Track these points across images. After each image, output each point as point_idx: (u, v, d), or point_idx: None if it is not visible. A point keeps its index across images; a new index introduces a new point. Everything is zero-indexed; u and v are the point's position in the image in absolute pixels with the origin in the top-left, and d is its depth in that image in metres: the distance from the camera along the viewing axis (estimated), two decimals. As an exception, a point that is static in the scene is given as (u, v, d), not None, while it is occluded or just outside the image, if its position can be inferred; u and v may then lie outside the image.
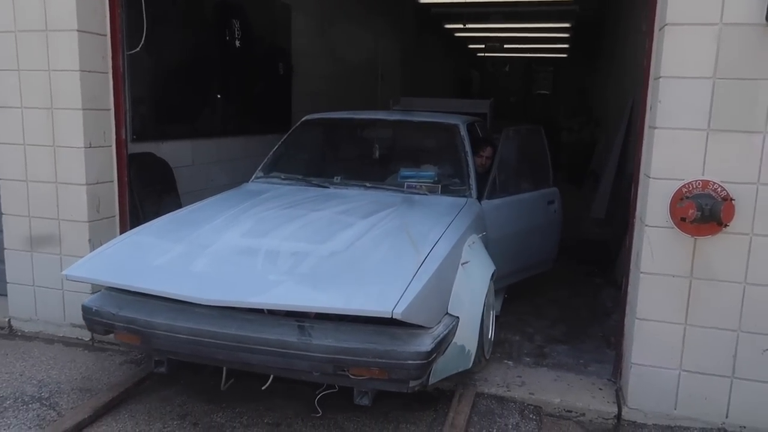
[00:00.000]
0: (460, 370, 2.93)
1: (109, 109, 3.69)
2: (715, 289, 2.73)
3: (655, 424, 2.87)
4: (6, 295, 3.90)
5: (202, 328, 2.57)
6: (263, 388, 2.88)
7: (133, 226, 3.61)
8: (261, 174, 4.13)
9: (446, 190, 3.76)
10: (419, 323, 2.49)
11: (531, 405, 3.02)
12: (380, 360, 2.43)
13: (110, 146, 3.73)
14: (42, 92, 3.56)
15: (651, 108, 2.86)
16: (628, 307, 3.05)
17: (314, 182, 3.93)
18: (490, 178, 3.86)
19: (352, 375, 2.50)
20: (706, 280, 2.73)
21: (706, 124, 2.65)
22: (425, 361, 2.44)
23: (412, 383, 2.57)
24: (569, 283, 4.99)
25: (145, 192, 4.25)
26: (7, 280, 3.87)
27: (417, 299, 2.39)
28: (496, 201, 3.81)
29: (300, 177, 4.03)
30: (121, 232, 3.73)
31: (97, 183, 3.64)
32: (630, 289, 3.04)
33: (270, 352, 2.54)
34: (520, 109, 17.31)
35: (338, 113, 4.73)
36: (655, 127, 2.73)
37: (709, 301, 2.74)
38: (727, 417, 2.80)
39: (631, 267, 3.04)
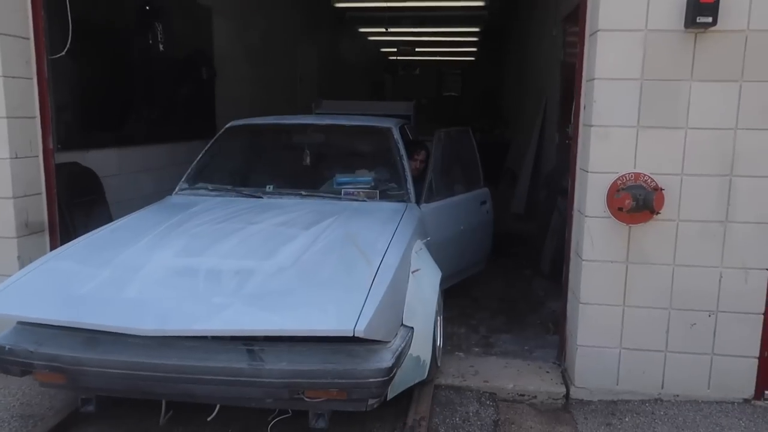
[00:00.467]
0: (416, 381, 2.86)
1: (34, 117, 3.50)
2: (649, 271, 2.99)
3: (600, 400, 3.10)
4: None
5: (139, 361, 2.33)
6: (209, 419, 2.65)
7: (63, 241, 3.43)
8: (185, 186, 3.87)
9: (384, 196, 3.67)
10: (379, 338, 2.39)
11: (486, 392, 3.17)
12: (340, 381, 2.30)
13: (37, 156, 3.53)
14: (-40, 99, 3.31)
15: (585, 107, 3.08)
16: (570, 294, 3.27)
17: (245, 192, 3.74)
18: (427, 182, 3.80)
19: (307, 398, 2.36)
20: (640, 264, 2.99)
21: (635, 121, 2.90)
22: (386, 378, 2.33)
23: (371, 401, 2.47)
24: (501, 276, 5.23)
25: (74, 204, 4.04)
26: None
27: (376, 314, 2.29)
28: (434, 204, 3.78)
29: (229, 187, 3.82)
30: (52, 247, 3.54)
31: (24, 196, 3.43)
32: (571, 276, 3.26)
33: (218, 381, 2.35)
34: (431, 110, 17.77)
35: (264, 119, 4.54)
36: (591, 125, 2.95)
37: (643, 283, 3.00)
38: (662, 388, 3.07)
39: (572, 256, 3.26)
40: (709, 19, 2.70)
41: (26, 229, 3.45)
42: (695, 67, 2.82)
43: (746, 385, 3.02)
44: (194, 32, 6.11)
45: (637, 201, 2.84)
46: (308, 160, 4.11)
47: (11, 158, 3.33)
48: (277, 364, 2.31)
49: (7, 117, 3.30)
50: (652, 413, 2.97)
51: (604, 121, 2.93)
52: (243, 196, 3.70)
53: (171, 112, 5.60)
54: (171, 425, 2.79)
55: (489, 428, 2.87)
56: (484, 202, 4.58)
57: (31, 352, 2.44)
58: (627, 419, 2.93)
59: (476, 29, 13.49)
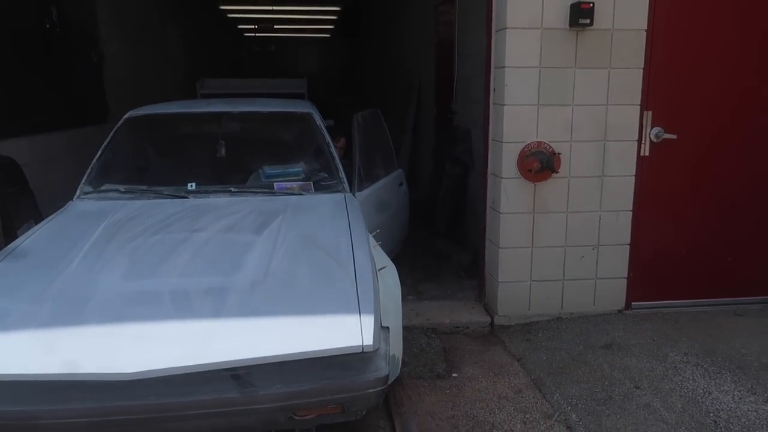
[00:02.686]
0: (392, 379, 2.60)
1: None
2: (549, 218, 3.80)
3: (518, 324, 3.89)
4: None
5: (109, 405, 1.99)
6: None
7: (3, 231, 3.43)
8: (89, 189, 3.37)
9: (319, 187, 3.48)
10: (377, 347, 2.19)
11: (429, 328, 3.82)
12: (339, 396, 2.13)
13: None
14: None
15: (495, 90, 3.78)
16: (488, 242, 4.01)
17: (166, 193, 3.34)
18: (356, 168, 3.63)
19: (298, 416, 2.15)
20: (543, 213, 3.79)
21: (536, 100, 3.65)
22: (384, 387, 2.19)
23: (362, 411, 2.30)
24: (405, 239, 5.90)
25: (4, 195, 3.98)
26: None
27: (375, 323, 2.17)
28: (366, 192, 3.67)
29: (144, 188, 3.41)
30: (-4, 239, 3.52)
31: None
32: (488, 227, 3.99)
33: (205, 415, 2.06)
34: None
35: (167, 106, 4.10)
36: (503, 104, 3.66)
37: (546, 228, 3.80)
38: (562, 308, 3.93)
39: (488, 211, 3.98)
40: (588, 21, 3.51)
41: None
42: (578, 57, 3.63)
43: (619, 299, 3.98)
44: (81, 15, 5.95)
45: (542, 163, 3.62)
46: (223, 151, 3.76)
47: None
48: (270, 388, 2.07)
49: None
50: (557, 328, 3.82)
51: (512, 100, 3.65)
52: (164, 197, 3.31)
53: (69, 97, 5.48)
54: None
55: (440, 354, 3.53)
56: (401, 183, 4.57)
57: None
58: (540, 335, 3.75)
59: (336, 8, 13.94)
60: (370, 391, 2.15)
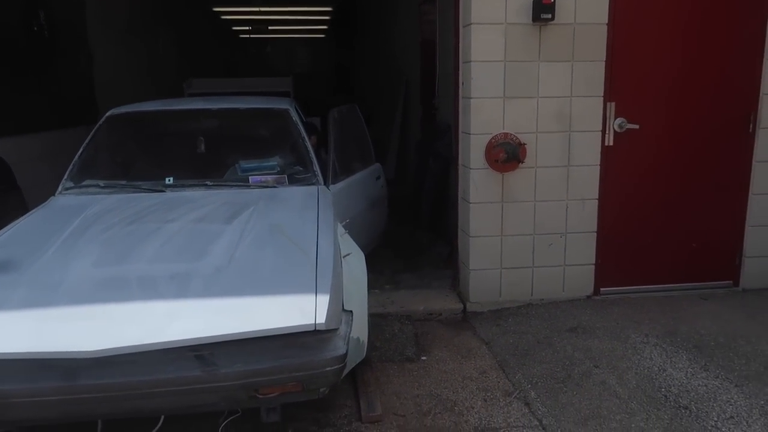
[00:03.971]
0: (357, 362, 2.80)
1: (-44, 107, 3.60)
2: (518, 208, 3.93)
3: (489, 310, 4.01)
4: None
5: (76, 384, 2.09)
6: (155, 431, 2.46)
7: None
8: (70, 184, 3.51)
9: (293, 180, 3.60)
10: (334, 327, 2.33)
11: (403, 315, 3.95)
12: (298, 374, 2.23)
13: (-39, 145, 3.64)
14: None
15: (463, 84, 3.92)
16: (460, 231, 4.14)
17: (144, 187, 3.47)
18: (330, 162, 3.72)
19: (261, 395, 2.26)
20: (512, 202, 3.92)
21: (502, 93, 3.78)
22: (342, 365, 2.30)
23: (322, 389, 2.41)
24: (389, 231, 6.03)
25: (-9, 191, 4.13)
26: None
27: (330, 304, 2.28)
28: (340, 185, 3.74)
29: (123, 183, 3.54)
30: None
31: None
32: (460, 217, 4.12)
33: (169, 393, 2.16)
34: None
35: (148, 104, 4.23)
36: (470, 98, 3.79)
37: (514, 217, 3.93)
38: (532, 295, 4.06)
39: (460, 201, 4.11)
40: (549, 15, 3.64)
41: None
42: (541, 51, 3.76)
43: (587, 285, 4.10)
44: (70, 18, 6.09)
45: (508, 154, 3.74)
46: (203, 147, 3.90)
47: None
48: (232, 367, 2.18)
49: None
50: (527, 313, 3.94)
51: (479, 93, 3.78)
52: (142, 192, 3.44)
53: (58, 98, 5.62)
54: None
55: (411, 339, 3.66)
56: (378, 177, 4.66)
57: None
58: (510, 320, 3.87)
59: (328, 9, 14.09)
60: (328, 369, 2.25)
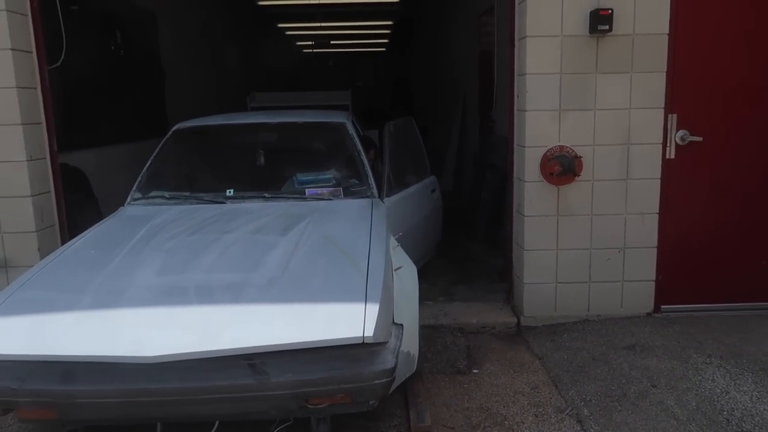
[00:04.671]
0: (407, 376, 2.84)
1: (40, 123, 3.88)
2: (574, 221, 3.87)
3: (543, 325, 3.96)
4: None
5: (137, 387, 2.21)
6: None
7: (69, 234, 3.81)
8: (138, 195, 3.70)
9: (348, 192, 3.65)
10: (382, 341, 2.35)
11: (456, 327, 3.96)
12: (347, 386, 2.29)
13: (45, 158, 3.91)
14: (-28, 110, 3.64)
15: (518, 96, 3.91)
16: (515, 245, 4.11)
17: (206, 199, 3.60)
18: (385, 175, 3.75)
19: (311, 405, 2.34)
20: (567, 216, 3.86)
21: (558, 105, 3.75)
22: (391, 378, 2.33)
23: (372, 401, 2.45)
24: (444, 243, 6.02)
25: (68, 202, 4.40)
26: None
27: (379, 317, 2.30)
28: (394, 197, 3.76)
29: (187, 194, 3.68)
30: (63, 241, 3.93)
31: (39, 194, 3.83)
32: (515, 230, 4.10)
33: (223, 400, 2.27)
34: (346, 100, 18.38)
35: (211, 119, 4.41)
36: (525, 110, 3.78)
37: (570, 230, 3.87)
38: (588, 310, 3.98)
39: (514, 214, 4.09)
40: (607, 27, 3.58)
41: (42, 223, 3.85)
42: (599, 62, 3.70)
43: (647, 302, 3.98)
44: (144, 36, 6.46)
45: (563, 167, 3.70)
46: (262, 160, 4.01)
47: (27, 161, 3.71)
48: (283, 376, 2.25)
49: (22, 124, 3.68)
50: (583, 329, 3.87)
51: (534, 106, 3.76)
52: (204, 203, 3.58)
53: (133, 112, 5.96)
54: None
55: (463, 351, 3.66)
56: (433, 190, 4.66)
57: (15, 389, 2.23)
58: (565, 335, 3.81)
59: (389, 22, 14.28)
60: (376, 382, 2.29)
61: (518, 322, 3.99)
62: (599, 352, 3.54)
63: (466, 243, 6.08)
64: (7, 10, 3.56)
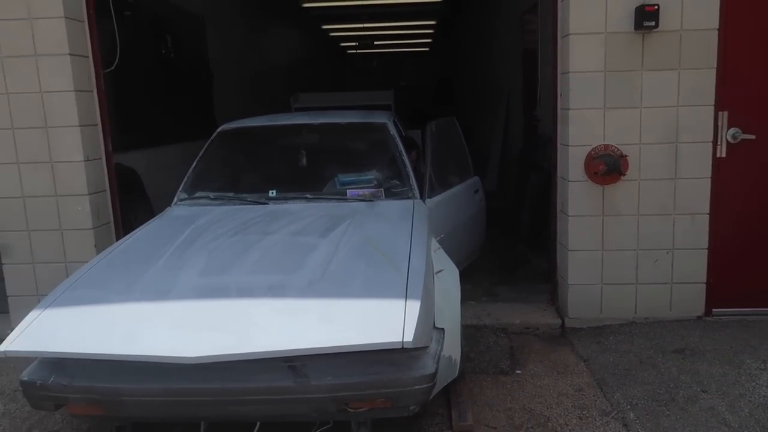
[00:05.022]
0: (449, 381, 2.83)
1: (96, 125, 4.05)
2: (619, 221, 3.80)
3: (589, 327, 3.90)
4: (8, 312, 4.06)
5: (180, 387, 2.28)
6: None
7: (125, 232, 3.96)
8: (184, 195, 3.78)
9: (390, 193, 3.64)
10: (422, 345, 2.34)
11: (499, 328, 3.94)
12: (386, 390, 2.29)
13: (100, 158, 4.08)
14: (35, 113, 3.82)
15: (562, 95, 3.86)
16: (559, 245, 4.06)
17: (249, 199, 3.65)
18: (427, 175, 3.74)
19: (351, 409, 2.34)
20: (613, 216, 3.79)
21: (602, 104, 3.69)
22: (431, 384, 2.34)
23: (413, 406, 2.44)
24: (488, 243, 5.98)
25: (123, 200, 4.58)
26: (8, 294, 4.06)
27: (419, 322, 2.26)
28: (436, 198, 3.74)
29: (231, 195, 3.74)
30: (118, 238, 4.08)
31: (95, 192, 3.99)
32: (559, 230, 4.05)
33: (263, 401, 2.32)
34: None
35: (255, 120, 4.45)
36: (568, 109, 3.73)
37: (616, 231, 3.80)
38: (636, 312, 3.90)
39: (558, 214, 4.04)
40: (653, 23, 3.51)
41: (98, 221, 4.01)
42: (644, 59, 3.63)
43: (698, 305, 3.87)
44: (193, 40, 6.64)
45: (608, 166, 3.64)
46: (304, 160, 4.02)
47: (85, 161, 3.88)
48: (322, 379, 2.28)
49: (80, 125, 3.84)
50: (630, 332, 3.79)
51: (578, 104, 3.71)
52: (247, 204, 3.62)
53: (182, 114, 6.14)
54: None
55: (506, 352, 3.64)
56: (477, 191, 4.61)
57: (65, 385, 2.35)
58: (611, 338, 3.74)
59: (432, 22, 14.26)
60: (417, 387, 2.29)
61: (562, 323, 3.94)
62: (646, 355, 3.47)
63: (510, 244, 6.03)
64: (66, 17, 3.73)
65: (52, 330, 2.41)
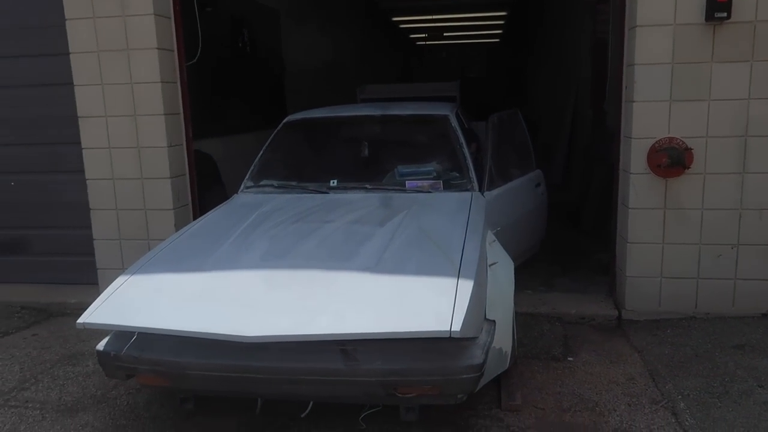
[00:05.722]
0: (499, 372, 2.85)
1: (179, 113, 4.37)
2: (682, 215, 3.77)
3: (646, 320, 3.89)
4: (97, 284, 4.45)
5: (238, 364, 2.40)
6: (303, 416, 2.76)
7: (201, 213, 4.26)
8: (251, 183, 3.95)
9: (448, 185, 3.68)
10: (471, 336, 2.39)
11: (554, 316, 4.00)
12: (433, 378, 2.36)
13: (181, 145, 4.41)
14: (125, 102, 4.19)
15: (627, 87, 3.85)
16: (618, 237, 4.07)
17: (311, 188, 3.77)
18: (487, 168, 3.75)
19: (399, 394, 2.41)
20: (675, 209, 3.77)
21: (668, 96, 3.66)
22: (479, 374, 2.39)
23: (460, 395, 2.50)
24: (550, 235, 5.96)
25: (200, 184, 4.91)
26: (97, 267, 4.47)
27: (468, 313, 2.31)
28: (496, 191, 3.74)
29: (294, 184, 3.86)
30: (194, 218, 4.40)
31: (176, 176, 4.33)
32: (619, 223, 4.05)
33: (315, 382, 2.42)
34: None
35: (319, 111, 4.57)
36: (633, 101, 3.72)
37: (678, 224, 3.77)
38: (696, 307, 3.86)
39: (619, 207, 4.04)
40: (725, 14, 3.46)
41: (178, 202, 4.35)
42: (715, 51, 3.57)
43: (762, 303, 3.79)
44: (267, 33, 6.95)
45: (672, 159, 3.62)
46: (366, 151, 4.08)
47: (168, 146, 4.22)
48: (372, 364, 2.36)
49: (164, 114, 4.18)
50: (688, 326, 3.76)
51: (643, 97, 3.70)
52: (309, 193, 3.74)
53: (256, 104, 6.46)
54: (266, 416, 2.86)
55: (560, 339, 3.70)
56: (538, 185, 4.55)
57: (136, 357, 2.52)
58: (668, 331, 3.73)
59: (503, 13, 14.13)
60: (464, 377, 2.35)
61: (619, 315, 3.95)
62: (704, 349, 3.45)
63: (572, 236, 6.02)
64: (155, 14, 4.06)
65: (126, 305, 2.60)
